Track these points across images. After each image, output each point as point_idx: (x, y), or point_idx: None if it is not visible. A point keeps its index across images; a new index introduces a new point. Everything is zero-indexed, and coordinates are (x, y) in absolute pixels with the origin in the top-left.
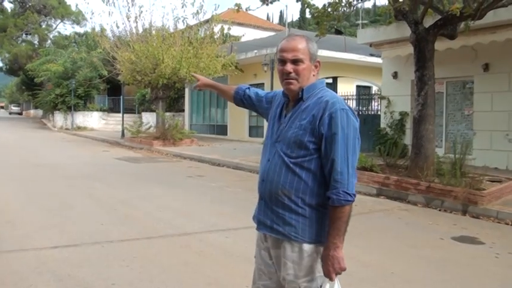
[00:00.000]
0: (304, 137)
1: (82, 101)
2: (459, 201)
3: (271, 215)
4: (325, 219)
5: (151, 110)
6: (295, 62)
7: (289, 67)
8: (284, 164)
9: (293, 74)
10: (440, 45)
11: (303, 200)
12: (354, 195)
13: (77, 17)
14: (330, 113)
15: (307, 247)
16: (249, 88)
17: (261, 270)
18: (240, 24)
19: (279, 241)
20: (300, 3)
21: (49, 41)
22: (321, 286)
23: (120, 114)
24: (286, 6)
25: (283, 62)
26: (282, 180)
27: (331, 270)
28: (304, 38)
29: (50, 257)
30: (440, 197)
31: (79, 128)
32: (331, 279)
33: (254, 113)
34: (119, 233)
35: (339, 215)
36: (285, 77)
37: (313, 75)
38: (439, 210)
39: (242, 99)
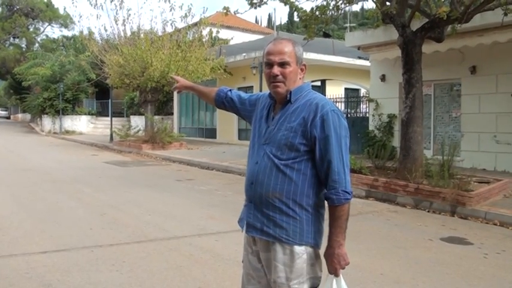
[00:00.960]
0: (295, 139)
1: (70, 104)
2: (447, 202)
3: (262, 217)
4: (314, 220)
5: (140, 114)
6: (282, 65)
7: (276, 70)
8: (274, 166)
9: (280, 77)
10: (428, 48)
11: (293, 201)
12: (352, 192)
13: (65, 20)
14: (321, 115)
15: (298, 249)
16: (230, 90)
17: (250, 275)
18: (228, 27)
19: (269, 244)
20: (288, 6)
21: (37, 45)
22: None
23: (109, 118)
24: (275, 9)
25: (270, 65)
26: (273, 182)
27: (337, 267)
28: (291, 42)
29: (39, 262)
30: (429, 199)
31: (67, 132)
32: (337, 275)
33: None
34: (108, 237)
35: (340, 213)
36: (272, 79)
37: (300, 78)
38: (428, 211)
39: (224, 102)
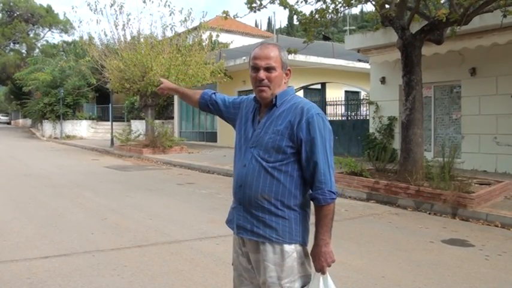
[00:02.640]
0: (282, 142)
1: (71, 109)
2: (448, 204)
3: (251, 219)
4: (302, 219)
5: (141, 118)
6: (268, 69)
7: (262, 74)
8: (262, 169)
9: (266, 81)
10: (428, 50)
11: (282, 203)
12: (336, 192)
13: (65, 26)
14: (307, 118)
15: (288, 248)
16: (215, 93)
17: (242, 276)
18: (228, 31)
19: (258, 245)
20: (287, 10)
21: (37, 50)
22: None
23: (109, 123)
24: (274, 13)
25: (256, 69)
26: (262, 184)
27: (324, 265)
28: (277, 47)
29: (41, 267)
30: (430, 201)
31: (68, 136)
32: (323, 273)
33: None
34: (109, 241)
35: (326, 212)
36: (258, 84)
37: (284, 82)
38: (429, 213)
39: (208, 104)
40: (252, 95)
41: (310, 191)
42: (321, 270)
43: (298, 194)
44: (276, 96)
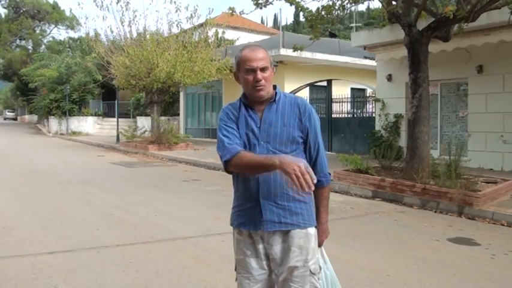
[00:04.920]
0: (295, 133)
1: (77, 106)
2: (455, 202)
3: (277, 210)
4: (313, 203)
5: (146, 115)
6: (263, 69)
7: (260, 75)
8: None
9: (263, 81)
10: (434, 47)
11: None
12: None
13: (71, 22)
14: (307, 109)
15: (311, 230)
16: (238, 142)
17: (250, 278)
18: (234, 27)
19: (284, 234)
20: (293, 6)
21: (43, 46)
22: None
23: (115, 119)
24: (280, 9)
25: (252, 71)
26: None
27: (324, 239)
28: (263, 48)
29: (46, 263)
30: (436, 199)
31: (74, 133)
32: (320, 246)
33: None
34: (115, 238)
35: (327, 194)
36: (256, 84)
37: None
38: (435, 211)
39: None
40: (233, 101)
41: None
42: (321, 244)
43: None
44: (276, 93)
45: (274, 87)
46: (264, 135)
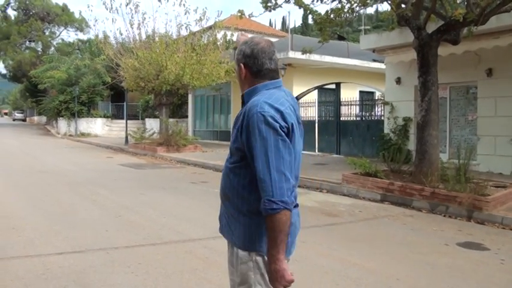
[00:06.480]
0: (233, 144)
1: (86, 107)
2: (464, 206)
3: (222, 217)
4: (258, 227)
5: (155, 116)
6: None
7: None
8: (226, 169)
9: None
10: (444, 50)
11: (237, 206)
12: (283, 201)
13: (80, 24)
14: (247, 119)
15: (241, 253)
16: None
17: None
18: (243, 30)
19: (231, 244)
20: (302, 9)
21: (52, 48)
22: None
23: (124, 121)
24: (289, 12)
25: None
26: (223, 185)
27: (276, 285)
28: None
29: (55, 264)
30: (445, 203)
31: (83, 134)
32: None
33: None
34: (124, 239)
35: (269, 224)
36: None
37: (244, 77)
38: (444, 216)
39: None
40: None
41: None
42: (272, 283)
43: (252, 199)
44: (243, 96)
45: (255, 90)
46: None
